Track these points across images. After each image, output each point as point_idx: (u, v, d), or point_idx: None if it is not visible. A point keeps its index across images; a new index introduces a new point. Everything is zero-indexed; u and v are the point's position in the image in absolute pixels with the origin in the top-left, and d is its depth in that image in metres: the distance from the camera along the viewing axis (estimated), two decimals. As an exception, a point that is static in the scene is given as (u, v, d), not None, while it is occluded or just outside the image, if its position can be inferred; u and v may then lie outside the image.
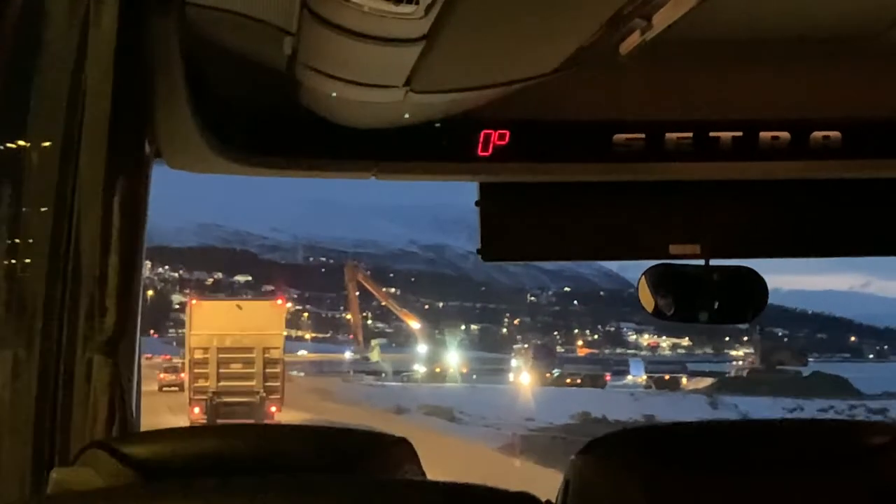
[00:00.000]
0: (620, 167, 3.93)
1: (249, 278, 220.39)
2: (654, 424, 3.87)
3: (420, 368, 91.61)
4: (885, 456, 2.63)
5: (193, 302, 44.21)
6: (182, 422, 36.09)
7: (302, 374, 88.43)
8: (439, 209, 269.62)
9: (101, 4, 3.17)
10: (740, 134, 3.92)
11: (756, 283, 4.37)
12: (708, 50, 3.63)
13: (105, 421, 3.39)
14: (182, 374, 49.51)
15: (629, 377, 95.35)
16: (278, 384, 41.24)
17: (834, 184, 4.21)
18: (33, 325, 3.46)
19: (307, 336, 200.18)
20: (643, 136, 3.90)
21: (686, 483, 2.54)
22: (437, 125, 3.82)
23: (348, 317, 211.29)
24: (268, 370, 40.99)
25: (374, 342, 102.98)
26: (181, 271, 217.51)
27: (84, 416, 3.40)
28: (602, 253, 4.39)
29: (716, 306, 4.36)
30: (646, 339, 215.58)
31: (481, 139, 3.84)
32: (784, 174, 4.08)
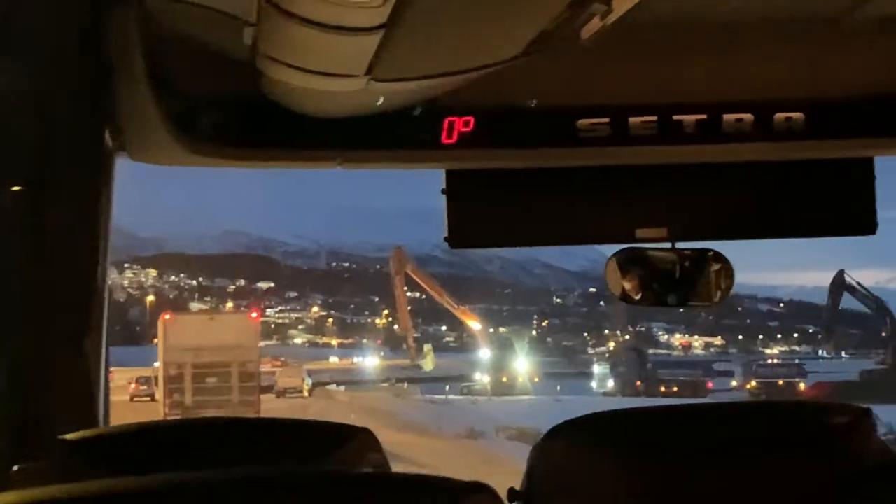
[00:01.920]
0: (585, 152, 3.94)
1: (272, 285, 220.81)
2: (618, 410, 3.88)
3: (482, 377, 79.63)
4: (847, 436, 2.64)
5: (167, 317, 44.16)
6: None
7: (342, 387, 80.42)
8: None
9: None
10: (704, 117, 3.92)
11: (722, 265, 4.39)
12: (670, 33, 3.64)
13: (71, 418, 3.37)
14: (154, 385, 49.59)
15: (733, 382, 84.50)
16: (254, 398, 41.58)
17: (798, 164, 4.22)
18: None
19: (334, 342, 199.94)
20: (607, 120, 3.91)
21: (648, 466, 2.55)
22: (401, 114, 3.81)
23: (378, 321, 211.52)
24: (243, 384, 41.19)
25: (426, 348, 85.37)
26: (201, 279, 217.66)
27: (49, 413, 3.40)
28: (569, 238, 4.38)
29: (683, 289, 4.37)
30: (677, 338, 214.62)
31: (445, 126, 3.85)
32: (749, 156, 4.09)
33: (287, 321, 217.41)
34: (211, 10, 3.13)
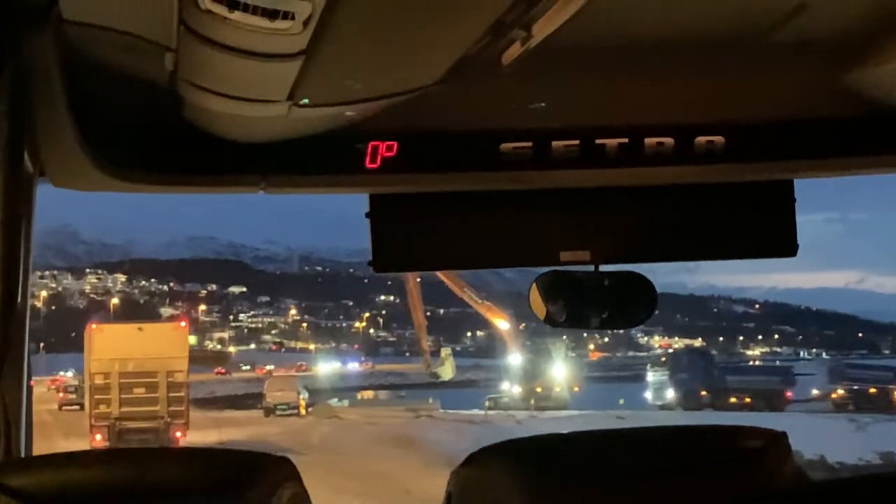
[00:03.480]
0: (509, 176, 3.95)
1: (244, 289, 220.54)
2: (536, 435, 3.93)
3: (511, 388, 68.23)
4: (760, 459, 2.69)
5: (93, 326, 43.45)
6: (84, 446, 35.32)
7: (345, 402, 72.67)
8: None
9: None
10: (626, 140, 3.94)
11: (645, 287, 4.41)
12: (591, 57, 3.66)
13: None
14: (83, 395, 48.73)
15: (814, 391, 71.90)
16: (183, 408, 41.07)
17: (719, 187, 4.24)
18: None
19: (311, 347, 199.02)
20: (530, 144, 3.92)
21: (565, 492, 2.58)
22: (325, 138, 3.80)
23: (358, 324, 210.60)
24: (172, 394, 40.71)
25: (444, 352, 72.55)
26: (172, 284, 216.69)
27: None
28: (493, 261, 4.39)
29: (606, 311, 4.39)
30: (657, 339, 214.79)
31: (369, 151, 3.84)
32: (670, 179, 4.12)
33: (260, 325, 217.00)
34: (130, 36, 3.11)
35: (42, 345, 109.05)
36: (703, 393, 65.47)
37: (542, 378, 66.35)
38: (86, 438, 39.67)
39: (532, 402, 63.41)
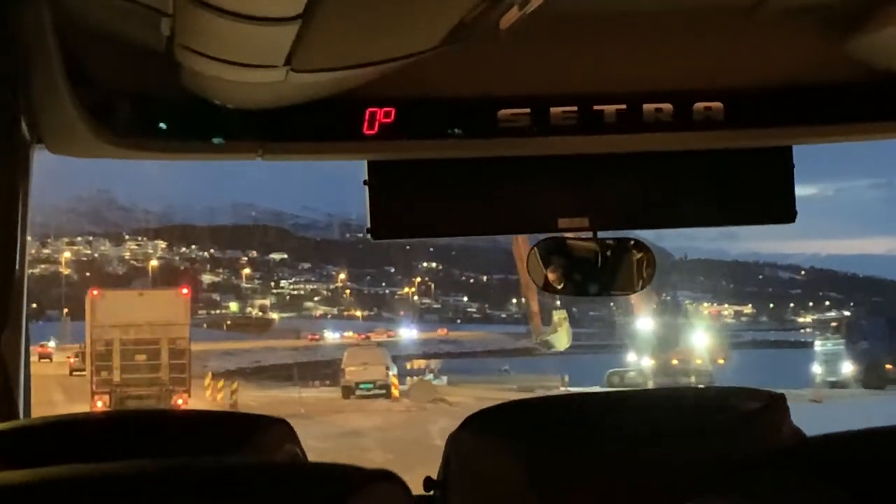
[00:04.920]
0: (507, 142, 3.95)
1: (285, 256, 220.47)
2: (532, 398, 3.94)
3: (640, 360, 55.11)
4: (759, 420, 2.70)
5: (94, 293, 43.15)
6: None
7: (443, 378, 57.72)
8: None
9: None
10: (624, 107, 3.93)
11: (644, 254, 4.42)
12: (589, 23, 3.65)
13: None
14: None
15: None
16: (185, 375, 40.90)
17: (718, 154, 4.24)
18: None
19: (359, 314, 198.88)
20: (528, 110, 3.91)
21: (562, 455, 2.58)
22: (322, 105, 3.80)
23: (400, 291, 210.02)
24: (173, 361, 40.58)
25: (557, 316, 52.93)
26: (212, 250, 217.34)
27: None
28: (492, 227, 4.40)
29: (605, 278, 4.41)
30: (705, 307, 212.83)
31: (367, 117, 3.84)
32: (669, 146, 4.11)
33: (302, 292, 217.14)
34: (127, 2, 3.10)
35: (66, 310, 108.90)
36: (889, 367, 51.96)
37: (679, 348, 54.69)
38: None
39: (665, 374, 51.98)
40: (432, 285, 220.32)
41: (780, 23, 3.66)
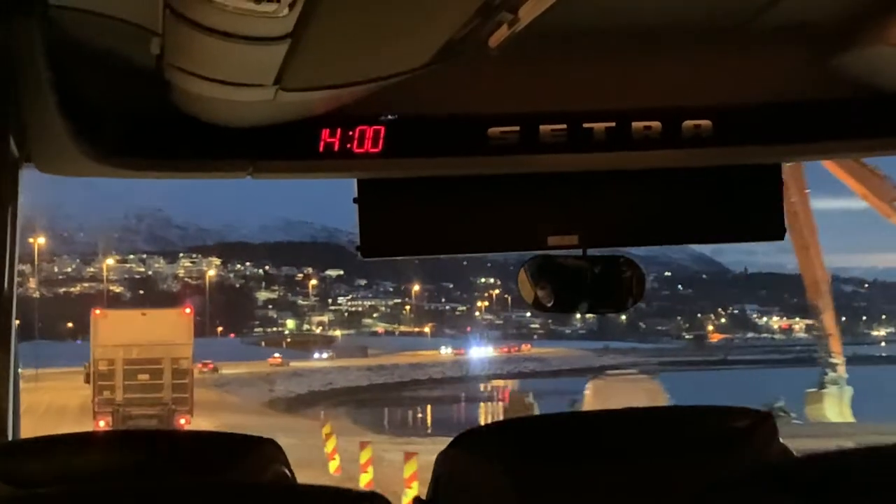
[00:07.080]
0: (497, 160, 3.95)
1: (341, 272, 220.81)
2: (522, 417, 3.95)
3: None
4: (747, 439, 2.71)
5: (97, 312, 43.13)
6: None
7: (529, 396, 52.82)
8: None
9: None
10: (613, 124, 3.94)
11: (633, 271, 4.40)
12: (577, 41, 3.65)
13: None
14: None
15: None
16: (187, 395, 40.71)
17: (707, 171, 4.25)
18: None
19: (427, 330, 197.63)
20: (518, 128, 3.92)
21: (552, 473, 2.60)
22: (311, 123, 3.81)
23: (460, 308, 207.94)
24: (176, 381, 40.42)
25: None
26: (267, 267, 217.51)
27: None
28: (482, 246, 4.40)
29: (595, 296, 4.39)
30: (775, 321, 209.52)
31: (356, 136, 3.85)
32: (657, 163, 4.11)
33: (360, 309, 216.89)
34: (116, 21, 3.12)
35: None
36: None
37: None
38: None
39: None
40: (496, 301, 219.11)
41: (768, 41, 3.66)
